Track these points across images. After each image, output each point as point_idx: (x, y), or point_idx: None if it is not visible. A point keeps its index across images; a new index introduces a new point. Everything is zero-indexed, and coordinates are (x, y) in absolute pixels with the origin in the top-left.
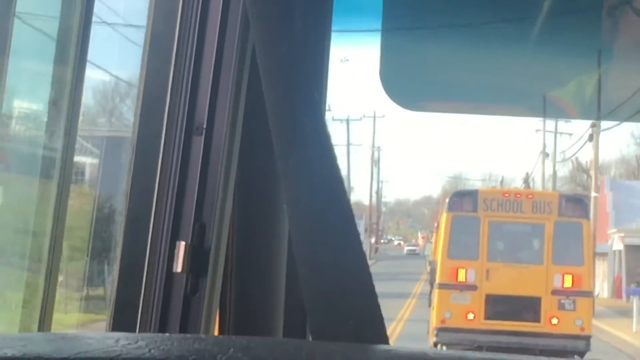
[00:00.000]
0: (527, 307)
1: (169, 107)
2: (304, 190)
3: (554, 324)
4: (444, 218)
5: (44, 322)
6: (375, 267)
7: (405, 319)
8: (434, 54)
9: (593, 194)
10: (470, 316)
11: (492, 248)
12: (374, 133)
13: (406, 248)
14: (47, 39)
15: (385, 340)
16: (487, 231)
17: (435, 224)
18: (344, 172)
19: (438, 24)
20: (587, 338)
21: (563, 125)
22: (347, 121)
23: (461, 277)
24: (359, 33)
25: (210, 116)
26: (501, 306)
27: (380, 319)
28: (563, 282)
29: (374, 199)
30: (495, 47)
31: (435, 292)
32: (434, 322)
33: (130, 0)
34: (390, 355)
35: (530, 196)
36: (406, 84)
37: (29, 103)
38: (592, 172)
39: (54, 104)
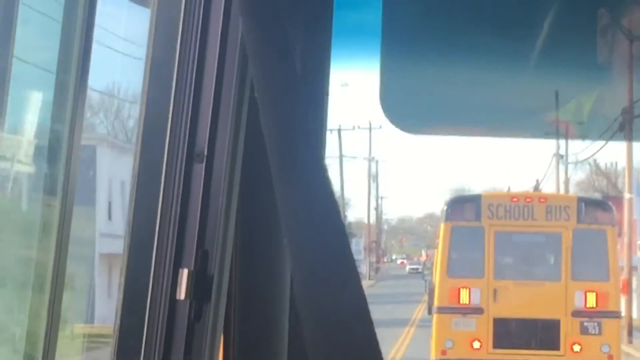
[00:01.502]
0: (543, 333)
1: (170, 135)
2: (302, 226)
3: (577, 352)
4: (441, 229)
5: (48, 353)
6: (373, 289)
7: (399, 358)
8: (434, 77)
9: (627, 195)
10: (476, 345)
11: (500, 263)
12: (370, 145)
13: (408, 267)
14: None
15: None
16: (493, 243)
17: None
18: (336, 186)
19: (438, 47)
20: None
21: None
22: (339, 131)
23: (464, 298)
24: (358, 57)
25: (211, 144)
26: (512, 332)
27: (376, 344)
28: (585, 301)
29: (373, 216)
30: (497, 69)
31: (435, 317)
32: (433, 354)
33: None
34: None
35: (543, 200)
36: (406, 108)
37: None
38: (623, 173)
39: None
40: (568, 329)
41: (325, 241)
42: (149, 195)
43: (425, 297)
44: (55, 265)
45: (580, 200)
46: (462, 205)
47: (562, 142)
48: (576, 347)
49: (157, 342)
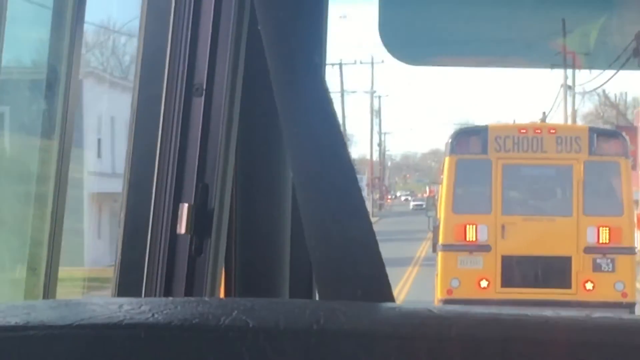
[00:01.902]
0: (554, 270)
1: (168, 69)
2: (307, 152)
3: (589, 290)
4: (446, 163)
5: (49, 289)
6: (377, 226)
7: (402, 300)
8: (434, 6)
9: None
10: (484, 284)
11: (508, 198)
12: (372, 80)
13: (412, 203)
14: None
15: (391, 298)
16: (500, 177)
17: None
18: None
19: None
20: (631, 306)
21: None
22: (340, 65)
23: (470, 235)
24: None
25: (210, 76)
26: (521, 270)
27: (385, 277)
28: (598, 237)
29: (377, 153)
30: None
31: (440, 255)
32: (438, 293)
33: None
34: (395, 313)
35: (553, 131)
36: (406, 38)
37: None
38: (634, 103)
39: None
40: (580, 266)
41: (330, 169)
42: (148, 130)
43: (429, 235)
44: (54, 206)
45: (591, 130)
46: (468, 138)
47: (569, 72)
48: (588, 285)
49: (158, 277)
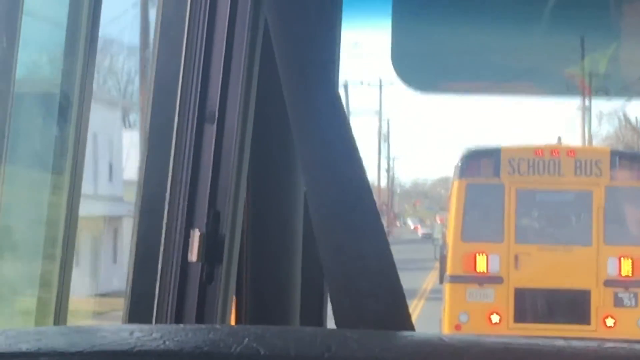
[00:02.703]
0: (571, 305)
1: (181, 96)
2: (323, 172)
3: (610, 327)
4: (455, 187)
5: (59, 315)
6: None
7: None
8: (446, 36)
9: None
10: (495, 319)
11: (522, 225)
12: (380, 103)
13: (421, 231)
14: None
15: (409, 324)
16: (514, 203)
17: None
18: None
19: (450, 5)
20: None
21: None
22: (346, 86)
23: (481, 265)
24: (369, 17)
25: (222, 104)
26: (536, 304)
27: (404, 302)
28: (620, 269)
29: (385, 179)
30: (511, 26)
31: (447, 287)
32: (445, 329)
33: None
34: (406, 341)
35: (572, 154)
36: (418, 66)
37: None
38: None
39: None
40: (600, 300)
41: (347, 189)
42: (160, 157)
43: (437, 264)
44: (65, 232)
45: (613, 153)
46: (479, 160)
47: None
48: (609, 321)
49: (169, 305)
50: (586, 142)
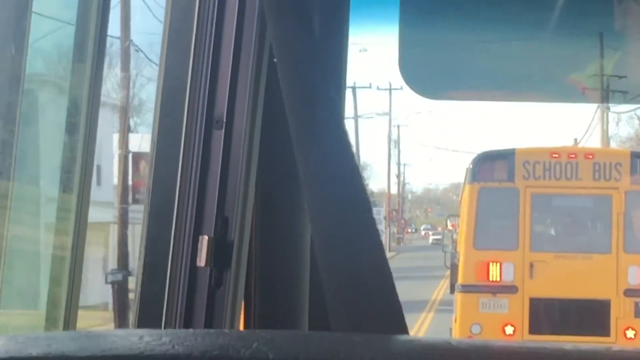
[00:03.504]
0: (590, 316)
1: (189, 102)
2: (323, 188)
3: (630, 339)
4: (466, 192)
5: (69, 321)
6: (393, 261)
7: None
8: (454, 41)
9: None
10: (509, 330)
11: (537, 232)
12: (390, 107)
13: (431, 237)
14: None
15: (404, 330)
16: (529, 208)
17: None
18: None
19: (457, 11)
20: None
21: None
22: (354, 89)
23: (494, 274)
24: (377, 24)
25: (230, 110)
26: (552, 315)
27: (399, 309)
28: None
29: (396, 185)
30: (516, 32)
31: (458, 297)
32: None
33: None
34: (413, 346)
35: (590, 156)
36: (426, 73)
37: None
38: None
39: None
40: (620, 311)
41: (346, 203)
42: (168, 163)
43: (448, 272)
44: (74, 238)
45: (634, 155)
46: (492, 163)
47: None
48: (629, 333)
49: (178, 310)
50: (605, 144)
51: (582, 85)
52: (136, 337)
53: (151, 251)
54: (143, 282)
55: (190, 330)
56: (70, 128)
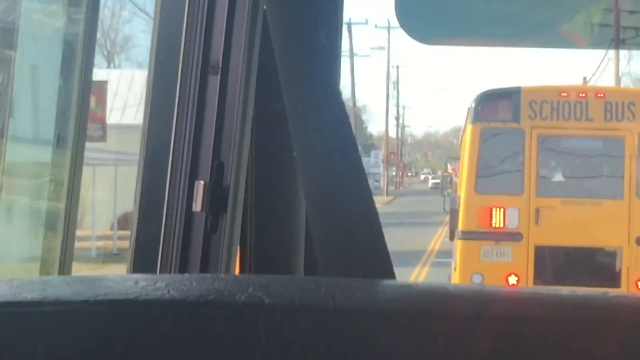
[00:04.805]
0: (599, 265)
1: (184, 47)
2: (311, 135)
3: None
4: (468, 132)
5: (64, 266)
6: (390, 206)
7: None
8: None
9: None
10: (512, 280)
11: (544, 176)
12: (388, 47)
13: (431, 181)
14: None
15: (392, 275)
16: (535, 150)
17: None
18: (347, 88)
19: None
20: None
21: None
22: (349, 25)
23: (497, 220)
24: None
25: (226, 55)
26: (559, 264)
27: (387, 258)
28: None
29: (394, 126)
30: None
31: (458, 244)
32: None
33: None
34: (410, 290)
35: (601, 95)
36: (424, 17)
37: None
38: None
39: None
40: (631, 260)
41: (334, 150)
42: (163, 108)
43: (447, 219)
44: (69, 184)
45: None
46: (496, 102)
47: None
48: None
49: (174, 255)
50: (616, 83)
51: (590, 22)
52: (131, 282)
53: (146, 197)
54: (138, 228)
55: (186, 275)
56: (66, 73)
